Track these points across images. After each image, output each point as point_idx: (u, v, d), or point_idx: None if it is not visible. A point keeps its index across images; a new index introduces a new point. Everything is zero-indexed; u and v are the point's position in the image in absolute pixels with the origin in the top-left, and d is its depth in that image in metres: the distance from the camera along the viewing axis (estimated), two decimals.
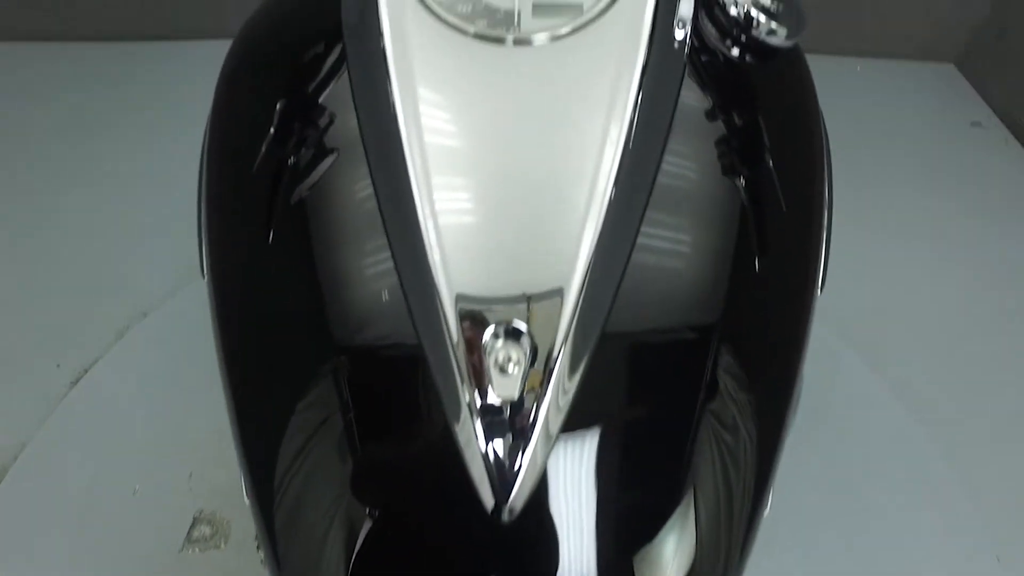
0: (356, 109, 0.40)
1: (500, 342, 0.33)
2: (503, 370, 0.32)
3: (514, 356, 0.32)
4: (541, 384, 0.34)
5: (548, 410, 0.34)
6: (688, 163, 0.44)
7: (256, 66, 0.56)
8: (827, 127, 0.53)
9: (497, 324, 0.34)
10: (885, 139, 1.72)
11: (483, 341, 0.33)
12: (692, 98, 0.46)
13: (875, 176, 1.59)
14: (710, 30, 0.45)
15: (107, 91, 1.71)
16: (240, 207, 0.47)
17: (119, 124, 1.63)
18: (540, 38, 0.37)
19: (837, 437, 1.10)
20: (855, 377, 1.20)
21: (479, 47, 0.36)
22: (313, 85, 0.52)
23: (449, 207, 0.36)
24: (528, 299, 0.35)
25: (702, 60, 0.45)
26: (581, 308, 0.35)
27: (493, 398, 0.33)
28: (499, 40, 0.36)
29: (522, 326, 0.34)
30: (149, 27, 1.84)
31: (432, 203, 0.35)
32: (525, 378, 0.33)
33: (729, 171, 0.45)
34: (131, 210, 1.42)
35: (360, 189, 0.40)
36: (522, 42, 0.36)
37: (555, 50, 0.37)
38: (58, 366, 1.14)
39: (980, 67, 1.89)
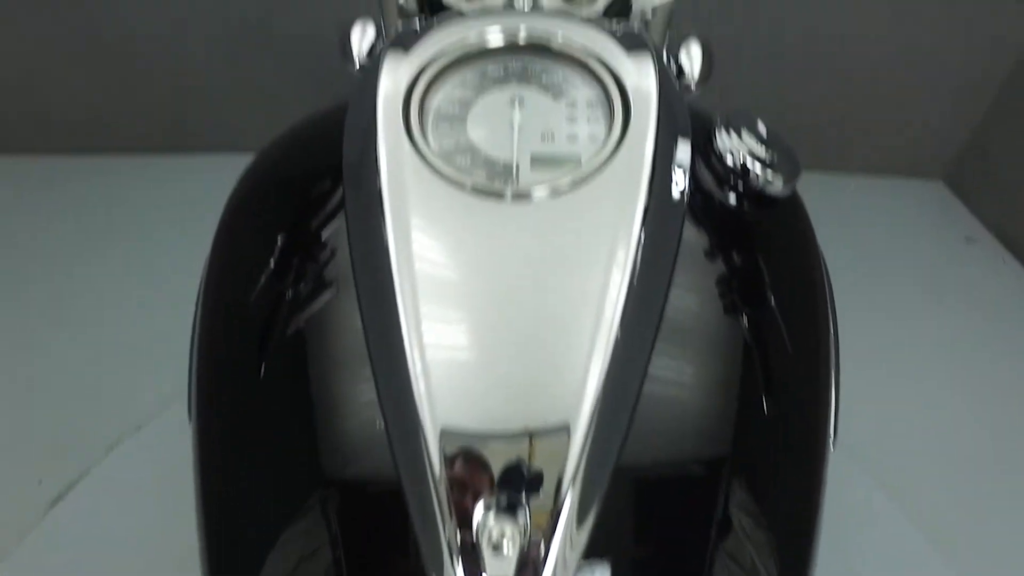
0: (350, 249, 0.41)
1: (493, 517, 0.31)
2: (496, 548, 0.30)
3: (508, 532, 0.30)
4: (545, 540, 0.31)
5: (555, 569, 0.31)
6: (693, 305, 0.44)
7: (261, 200, 0.57)
8: (823, 244, 0.54)
9: (489, 496, 0.32)
10: (881, 256, 1.75)
11: (474, 517, 0.31)
12: (694, 243, 0.47)
13: (873, 294, 1.60)
14: (707, 177, 0.47)
15: (106, 206, 1.75)
16: (233, 340, 0.47)
17: (118, 238, 1.65)
18: (539, 193, 0.37)
19: (844, 556, 1.06)
20: (860, 493, 1.17)
21: (476, 202, 0.37)
22: (316, 222, 0.53)
23: (439, 340, 0.35)
24: (530, 435, 0.33)
25: (701, 206, 0.46)
26: (591, 446, 0.33)
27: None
28: (497, 195, 0.37)
29: (520, 482, 0.32)
30: (147, 140, 1.91)
31: (420, 335, 0.35)
32: (523, 559, 0.31)
33: (733, 313, 0.45)
34: (130, 323, 1.41)
35: (353, 326, 0.39)
36: (521, 197, 0.37)
37: (554, 205, 0.37)
38: (40, 482, 1.10)
39: (968, 184, 1.95)
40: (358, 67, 0.77)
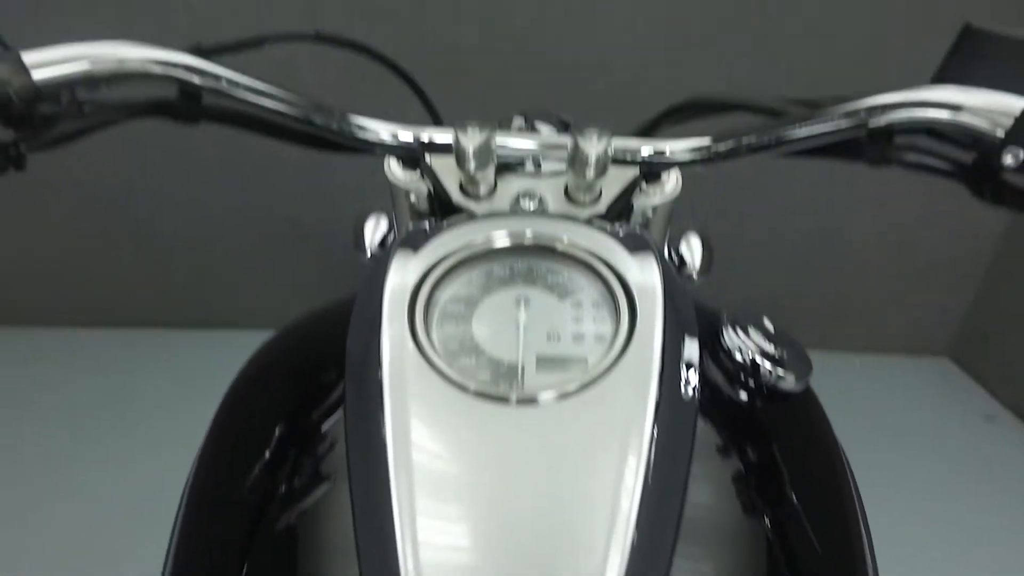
0: (347, 447, 0.39)
1: None
2: None
3: None
4: None
5: None
6: (712, 505, 0.42)
7: (262, 389, 0.57)
8: (837, 424, 0.52)
9: None
10: (898, 436, 1.69)
11: None
12: (708, 442, 0.45)
13: (895, 477, 1.53)
14: (717, 374, 0.46)
15: (124, 377, 1.76)
16: (216, 534, 0.44)
17: (132, 410, 1.64)
18: (545, 396, 0.36)
19: None
20: None
21: (480, 406, 0.35)
22: (316, 415, 0.51)
23: (434, 541, 0.32)
24: None
25: (713, 403, 0.45)
26: None
27: None
28: (502, 399, 0.35)
29: None
30: (167, 315, 1.96)
31: (415, 535, 0.32)
32: None
33: (755, 512, 0.42)
34: (133, 495, 1.37)
35: (345, 526, 0.37)
36: (526, 401, 0.35)
37: (561, 408, 0.35)
38: None
39: (976, 361, 1.95)
40: (369, 256, 0.80)
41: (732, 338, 0.45)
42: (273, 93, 0.46)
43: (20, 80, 0.37)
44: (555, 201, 0.57)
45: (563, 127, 0.71)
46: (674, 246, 0.79)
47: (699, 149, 0.51)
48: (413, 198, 0.60)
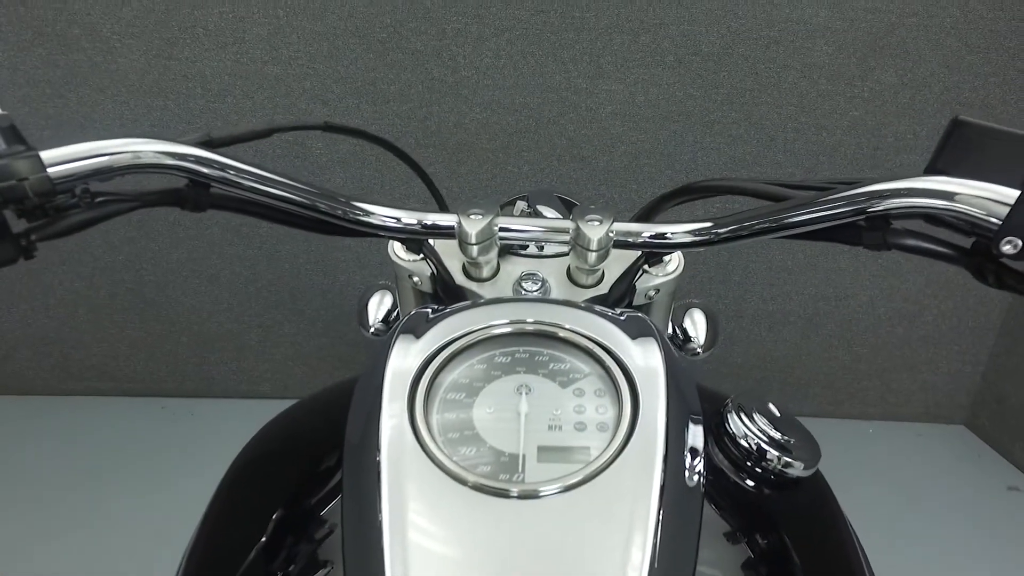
0: (343, 532, 0.38)
1: None
2: None
3: None
4: None
5: None
6: None
7: (260, 473, 0.56)
8: (853, 495, 0.50)
9: None
10: (917, 505, 1.64)
11: None
12: (715, 529, 0.44)
13: (917, 548, 1.47)
14: (723, 461, 0.45)
15: (123, 446, 1.75)
16: None
17: (130, 477, 1.62)
18: (547, 490, 0.35)
19: None
20: None
21: (481, 500, 0.34)
22: (315, 499, 0.50)
23: None
24: None
25: (718, 490, 0.44)
26: None
27: None
28: (503, 493, 0.35)
29: None
30: (167, 384, 1.95)
31: None
32: None
33: None
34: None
35: None
36: (528, 495, 0.35)
37: (564, 502, 0.35)
38: None
39: (994, 429, 1.90)
40: (372, 332, 0.81)
41: (737, 424, 0.44)
42: (281, 181, 0.48)
43: (37, 177, 0.39)
44: (558, 283, 0.57)
45: (567, 208, 0.73)
46: (678, 321, 0.79)
47: (700, 232, 0.52)
48: (416, 279, 0.60)
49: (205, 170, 0.45)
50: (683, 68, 1.62)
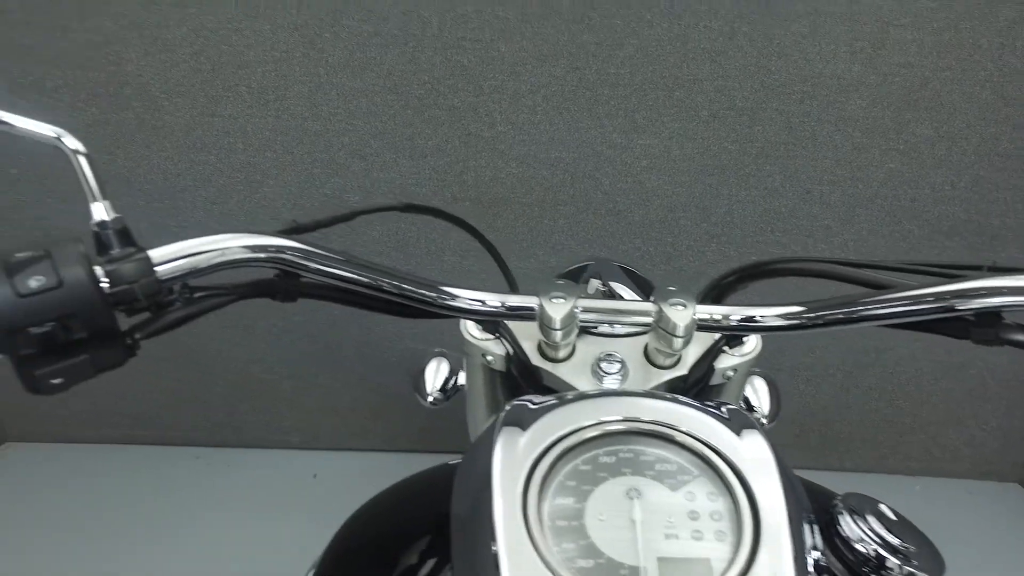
0: None
1: None
2: None
3: None
4: None
5: None
6: None
7: (355, 558, 0.55)
8: None
9: None
10: (974, 570, 1.57)
11: None
12: None
13: None
14: (835, 564, 0.43)
15: (155, 495, 1.74)
16: None
17: (165, 526, 1.61)
18: None
19: None
20: None
21: None
22: None
23: None
24: None
25: None
26: None
27: None
28: None
29: None
30: (199, 433, 1.94)
31: None
32: None
33: None
34: None
35: None
36: None
37: None
38: None
39: None
40: (431, 401, 0.80)
41: (852, 527, 0.42)
42: (372, 267, 0.48)
43: (148, 279, 0.39)
44: (635, 364, 0.56)
45: (630, 278, 0.72)
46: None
47: (791, 316, 0.51)
48: (490, 358, 0.60)
49: (302, 261, 0.45)
50: (717, 122, 1.63)
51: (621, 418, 0.41)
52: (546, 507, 0.37)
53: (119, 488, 1.78)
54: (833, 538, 0.43)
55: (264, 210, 1.69)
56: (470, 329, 0.60)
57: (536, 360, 0.56)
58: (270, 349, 1.86)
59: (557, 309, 0.50)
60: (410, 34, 1.56)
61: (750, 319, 0.51)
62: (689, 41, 1.57)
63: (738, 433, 0.41)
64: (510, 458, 0.38)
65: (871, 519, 0.43)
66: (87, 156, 0.43)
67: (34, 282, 0.34)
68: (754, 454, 0.39)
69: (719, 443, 0.39)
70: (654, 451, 0.41)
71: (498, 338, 0.58)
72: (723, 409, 0.43)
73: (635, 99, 1.62)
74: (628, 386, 0.55)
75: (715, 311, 0.52)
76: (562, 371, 0.56)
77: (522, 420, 0.41)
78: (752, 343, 0.60)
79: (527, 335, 0.57)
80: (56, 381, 0.37)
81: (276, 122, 1.64)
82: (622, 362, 0.55)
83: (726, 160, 1.65)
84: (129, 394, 1.90)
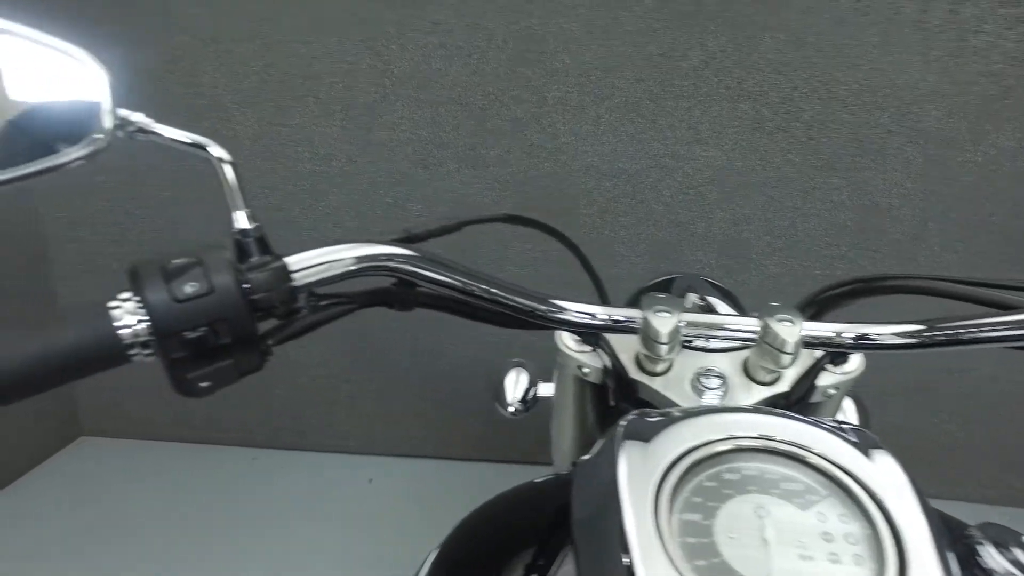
0: None
1: None
2: None
3: None
4: None
5: None
6: None
7: (465, 563, 0.55)
8: None
9: None
10: None
11: None
12: None
13: None
14: None
15: (222, 493, 1.79)
16: None
17: (229, 527, 1.65)
18: None
19: None
20: None
21: None
22: None
23: None
24: None
25: None
26: None
27: None
28: None
29: None
30: (260, 435, 1.99)
31: None
32: None
33: None
34: None
35: None
36: None
37: None
38: None
39: None
40: (511, 411, 0.80)
41: (995, 559, 0.40)
42: (486, 278, 0.48)
43: (284, 286, 0.40)
44: (735, 379, 0.55)
45: (720, 293, 0.71)
46: None
47: (910, 335, 0.49)
48: (586, 370, 0.60)
49: (423, 271, 0.46)
50: (782, 135, 1.60)
51: (756, 435, 0.40)
52: (675, 522, 0.37)
53: (178, 484, 1.83)
54: (974, 569, 0.41)
55: (328, 218, 1.73)
56: (566, 341, 0.60)
57: (634, 373, 0.56)
58: (329, 354, 1.89)
59: (663, 323, 0.49)
60: (475, 46, 1.59)
61: (864, 337, 0.49)
62: (755, 52, 1.55)
63: (866, 454, 0.40)
64: (637, 471, 0.38)
65: (1016, 551, 0.41)
66: (232, 164, 0.45)
67: (189, 288, 0.36)
68: (889, 477, 0.38)
69: (850, 464, 0.38)
70: (778, 469, 0.40)
71: (594, 351, 0.58)
72: (847, 428, 0.42)
73: (698, 111, 1.61)
74: (728, 402, 0.54)
75: (825, 328, 0.51)
76: (660, 385, 0.55)
77: (644, 433, 0.41)
78: (856, 362, 0.58)
79: (623, 348, 0.57)
80: (204, 384, 0.39)
81: (341, 132, 1.68)
82: (722, 377, 0.54)
83: (791, 172, 1.62)
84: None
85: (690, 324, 0.52)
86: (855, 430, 0.42)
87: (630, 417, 0.43)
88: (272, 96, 1.68)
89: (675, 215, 1.68)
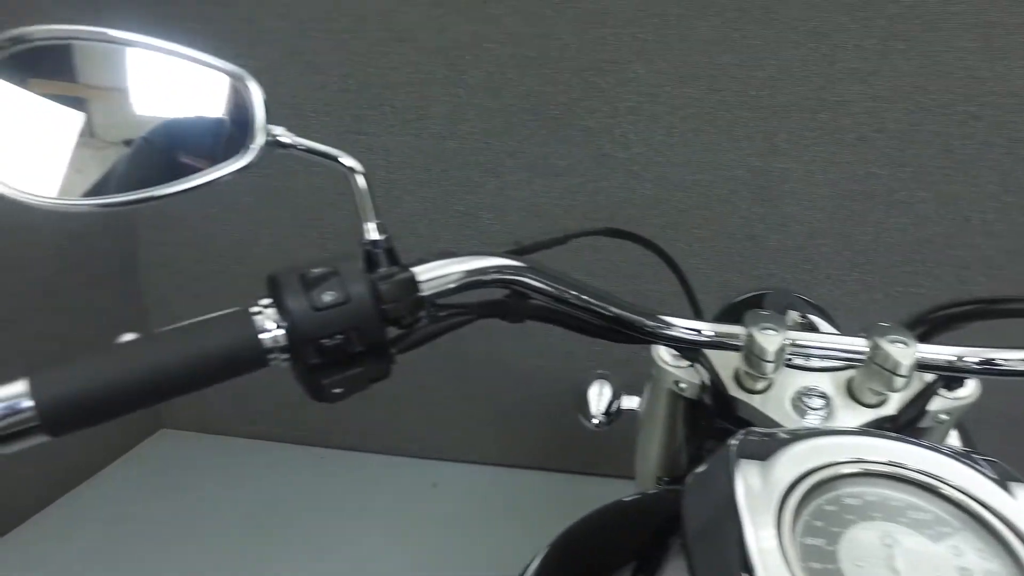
0: None
1: None
2: None
3: None
4: None
5: None
6: None
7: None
8: None
9: None
10: None
11: None
12: None
13: None
14: None
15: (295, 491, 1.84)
16: None
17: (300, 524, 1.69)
18: None
19: None
20: None
21: None
22: None
23: None
24: None
25: None
26: None
27: None
28: None
29: None
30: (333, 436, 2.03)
31: None
32: None
33: None
34: None
35: None
36: None
37: None
38: None
39: None
40: (595, 424, 0.80)
41: None
42: (595, 292, 0.48)
43: (413, 295, 0.41)
44: (839, 399, 0.54)
45: (816, 310, 0.69)
46: None
47: None
48: (683, 385, 0.59)
49: (538, 284, 0.46)
50: (865, 145, 1.55)
51: (886, 460, 0.39)
52: (797, 546, 0.36)
53: (248, 479, 1.90)
54: None
55: (402, 225, 1.76)
56: (663, 355, 0.59)
57: (733, 390, 0.55)
58: (403, 358, 1.92)
59: (770, 341, 0.48)
60: (548, 56, 1.60)
61: (989, 362, 0.47)
62: (837, 61, 1.51)
63: (1006, 487, 0.38)
64: (756, 490, 0.37)
65: None
66: (364, 175, 0.47)
67: (328, 296, 0.37)
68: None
69: (989, 498, 0.37)
70: (903, 497, 0.38)
71: (692, 366, 0.58)
72: (978, 458, 0.40)
73: (775, 121, 1.57)
74: (831, 423, 0.52)
75: (942, 351, 0.48)
76: (759, 402, 0.54)
77: (760, 451, 0.40)
78: (971, 387, 0.56)
79: (721, 364, 0.56)
80: (337, 391, 0.40)
81: (416, 140, 1.72)
82: (825, 397, 0.53)
83: (874, 185, 1.56)
84: (270, 394, 2.03)
85: (795, 343, 0.51)
86: (989, 461, 0.40)
87: (743, 435, 0.42)
88: (349, 105, 1.73)
89: (749, 227, 1.64)
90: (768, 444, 0.41)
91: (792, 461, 0.39)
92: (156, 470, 1.94)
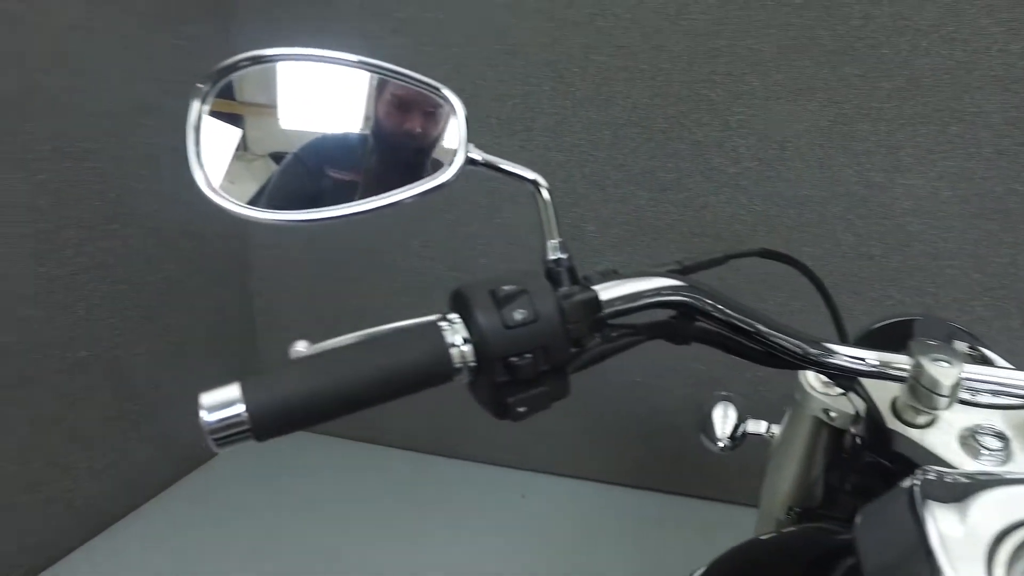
0: None
1: None
2: None
3: None
4: None
5: None
6: None
7: None
8: None
9: None
10: None
11: None
12: None
13: None
14: None
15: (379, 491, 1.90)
16: None
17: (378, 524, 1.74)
18: None
19: None
20: None
21: None
22: None
23: None
24: None
25: None
26: None
27: None
28: None
29: None
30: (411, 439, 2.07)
31: None
32: None
33: None
34: None
35: None
36: None
37: None
38: None
39: None
40: (721, 447, 0.78)
41: None
42: (756, 315, 0.47)
43: (595, 315, 0.42)
44: (1018, 440, 0.50)
45: (973, 339, 0.65)
46: None
47: None
48: (833, 414, 0.57)
49: (706, 306, 0.46)
50: (1005, 160, 1.44)
51: None
52: None
53: (341, 479, 1.95)
54: None
55: (503, 235, 1.79)
56: (811, 381, 0.57)
57: (891, 423, 0.52)
58: None
59: (945, 374, 0.46)
60: (659, 68, 1.58)
61: None
62: (975, 69, 1.41)
63: None
64: (956, 537, 0.35)
65: None
66: (548, 189, 0.48)
67: (518, 315, 0.38)
68: None
69: None
70: None
71: (845, 394, 0.55)
72: None
73: (900, 135, 1.49)
74: (1013, 467, 0.49)
75: None
76: (918, 437, 0.51)
77: (951, 495, 0.38)
78: None
79: (878, 395, 0.53)
80: (521, 409, 0.41)
81: (520, 151, 1.73)
82: (1004, 438, 0.49)
83: (1013, 203, 1.45)
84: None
85: (970, 377, 0.48)
86: None
87: (923, 475, 0.40)
88: None
89: (866, 247, 1.56)
90: (957, 488, 0.38)
91: (996, 509, 0.36)
92: (252, 465, 2.03)
